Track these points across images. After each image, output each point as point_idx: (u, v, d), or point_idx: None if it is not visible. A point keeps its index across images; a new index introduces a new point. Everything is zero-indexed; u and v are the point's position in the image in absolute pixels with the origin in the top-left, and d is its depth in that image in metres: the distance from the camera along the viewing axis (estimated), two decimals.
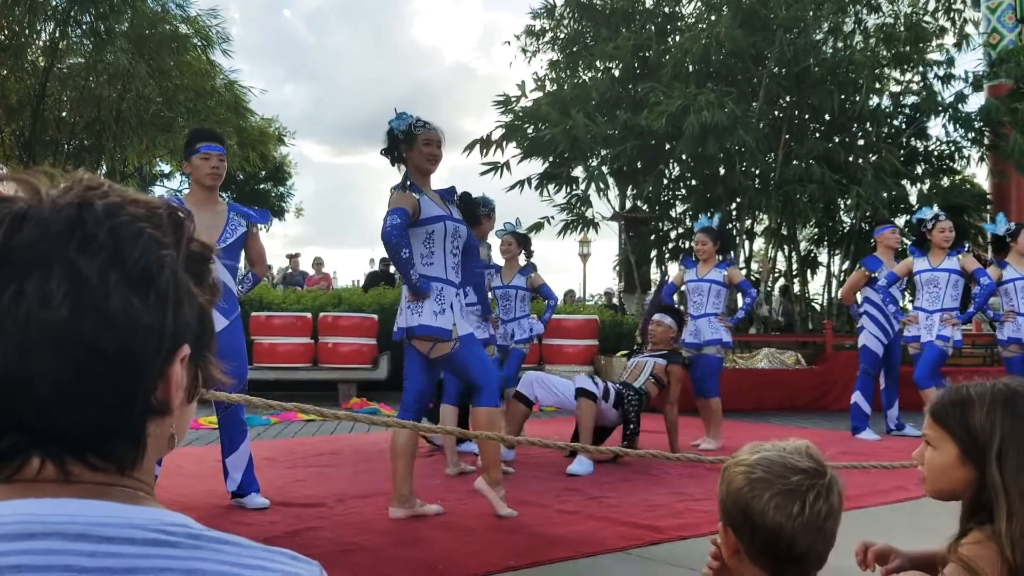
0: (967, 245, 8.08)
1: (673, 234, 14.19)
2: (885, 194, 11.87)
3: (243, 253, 4.70)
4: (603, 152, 12.52)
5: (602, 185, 12.43)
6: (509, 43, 14.85)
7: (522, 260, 6.85)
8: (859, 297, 7.99)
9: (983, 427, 1.59)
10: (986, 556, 1.54)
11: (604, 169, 12.91)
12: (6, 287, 0.65)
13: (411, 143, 4.31)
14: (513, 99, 13.27)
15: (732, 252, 7.47)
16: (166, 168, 21.20)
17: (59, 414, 0.67)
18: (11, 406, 0.67)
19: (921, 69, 13.47)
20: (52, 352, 0.66)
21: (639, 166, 13.28)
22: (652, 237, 13.79)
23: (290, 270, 17.43)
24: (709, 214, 7.72)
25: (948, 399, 1.68)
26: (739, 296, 7.22)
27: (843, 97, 12.73)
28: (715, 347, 7.11)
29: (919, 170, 13.75)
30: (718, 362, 7.20)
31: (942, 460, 1.65)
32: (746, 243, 14.16)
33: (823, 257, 14.66)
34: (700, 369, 7.08)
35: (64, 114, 13.92)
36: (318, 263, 16.76)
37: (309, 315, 10.41)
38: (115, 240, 0.68)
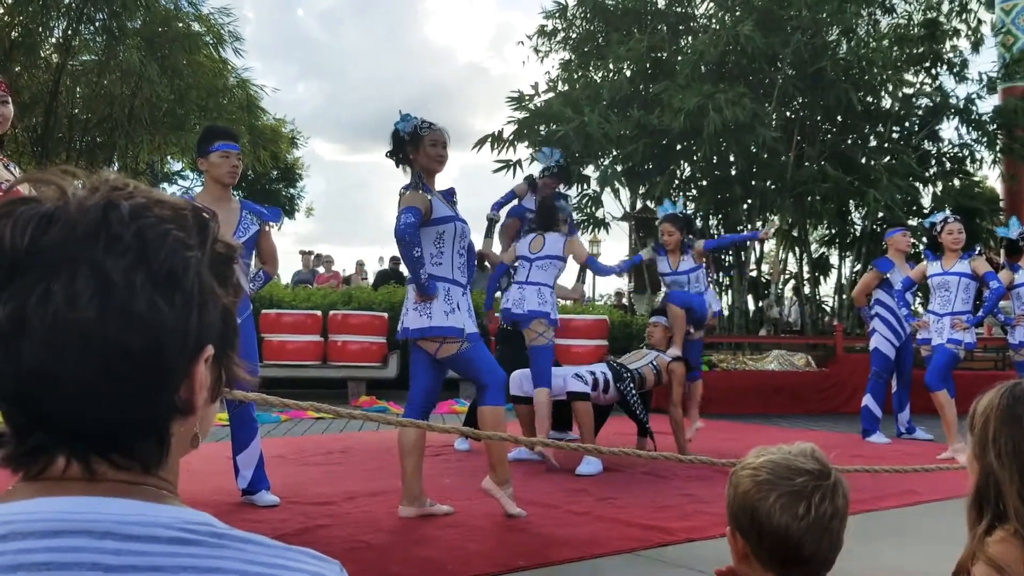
0: (978, 248, 7.99)
1: None
2: (899, 196, 11.83)
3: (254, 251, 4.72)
4: (615, 152, 12.52)
5: (616, 184, 12.43)
6: (522, 43, 14.89)
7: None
8: (871, 299, 7.96)
9: (980, 416, 1.62)
10: (1012, 554, 1.55)
11: (618, 168, 12.91)
12: (33, 287, 0.66)
13: (417, 144, 4.32)
14: (527, 97, 13.28)
15: (693, 235, 7.20)
16: (178, 165, 21.30)
17: (85, 413, 0.68)
18: (38, 404, 0.68)
19: (934, 71, 13.43)
20: (78, 352, 0.66)
21: (650, 166, 13.28)
22: None
23: (302, 268, 17.44)
24: (673, 200, 7.46)
25: (977, 397, 1.70)
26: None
27: (860, 94, 12.69)
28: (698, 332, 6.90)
29: (931, 172, 13.71)
30: (700, 344, 7.04)
31: (968, 454, 1.69)
32: (757, 245, 14.13)
33: (834, 259, 14.63)
34: (686, 353, 6.80)
35: (77, 111, 14.00)
36: (328, 261, 16.78)
37: (319, 313, 10.43)
38: (141, 241, 0.69)
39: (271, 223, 4.72)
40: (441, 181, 4.49)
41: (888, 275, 7.53)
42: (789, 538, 1.40)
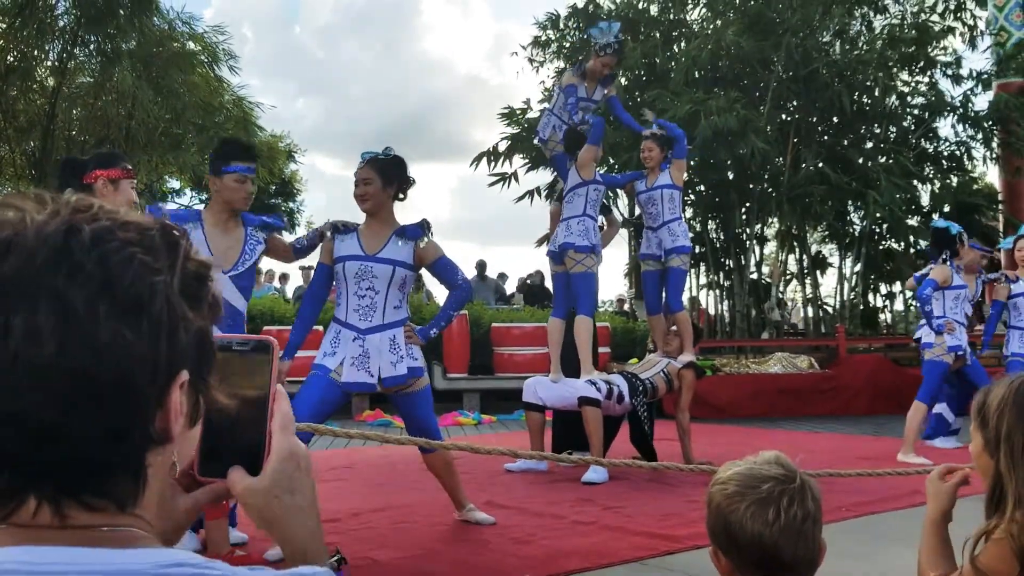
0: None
1: None
2: (898, 196, 11.83)
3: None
4: (611, 160, 12.55)
5: (611, 193, 12.44)
6: (516, 54, 14.93)
7: None
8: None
9: (994, 414, 1.61)
10: (1001, 555, 1.55)
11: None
12: None
13: None
14: (518, 112, 13.32)
15: (672, 149, 6.74)
16: (176, 184, 21.32)
17: (52, 452, 0.65)
18: (2, 446, 0.65)
19: (929, 70, 13.46)
20: (41, 389, 0.63)
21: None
22: None
23: (302, 283, 17.39)
24: (648, 121, 7.09)
25: (983, 389, 1.70)
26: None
27: (855, 96, 12.70)
28: (679, 257, 6.67)
29: (929, 171, 13.72)
30: (683, 274, 6.84)
31: (974, 448, 1.69)
32: (756, 248, 14.13)
33: (834, 259, 14.63)
34: (668, 282, 6.72)
35: (74, 133, 14.03)
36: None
37: (321, 328, 10.40)
38: (104, 268, 0.66)
39: (277, 230, 4.43)
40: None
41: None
42: (765, 546, 1.40)
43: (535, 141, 6.82)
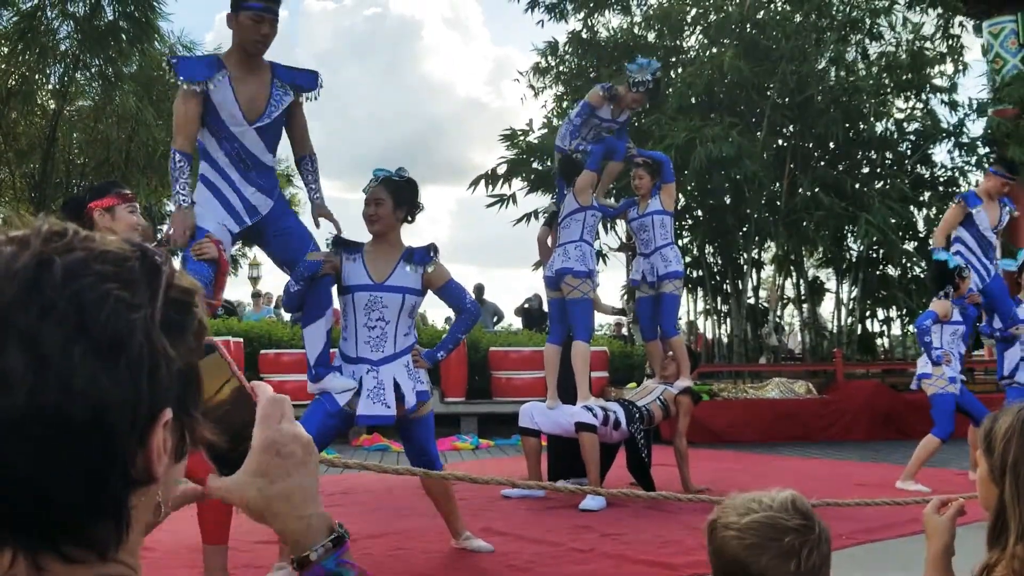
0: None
1: None
2: (893, 220, 11.86)
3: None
4: (610, 184, 12.61)
5: (610, 225, 12.50)
6: (518, 80, 15.07)
7: None
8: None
9: (1000, 442, 1.61)
10: None
11: (611, 201, 12.98)
12: None
13: None
14: (520, 133, 13.38)
15: (660, 175, 6.73)
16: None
17: (27, 502, 0.61)
18: None
19: (924, 96, 13.54)
20: (13, 438, 0.59)
21: None
22: None
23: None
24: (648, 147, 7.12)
25: (990, 416, 1.70)
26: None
27: (847, 125, 12.79)
28: (672, 283, 6.60)
29: (925, 196, 13.76)
30: (677, 299, 6.80)
31: (981, 474, 1.69)
32: (753, 272, 14.14)
33: (831, 284, 14.64)
34: (662, 308, 6.66)
35: (73, 156, 14.10)
36: None
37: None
38: (78, 306, 0.61)
39: (307, 92, 4.24)
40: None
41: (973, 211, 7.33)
42: None
43: (555, 150, 6.86)
